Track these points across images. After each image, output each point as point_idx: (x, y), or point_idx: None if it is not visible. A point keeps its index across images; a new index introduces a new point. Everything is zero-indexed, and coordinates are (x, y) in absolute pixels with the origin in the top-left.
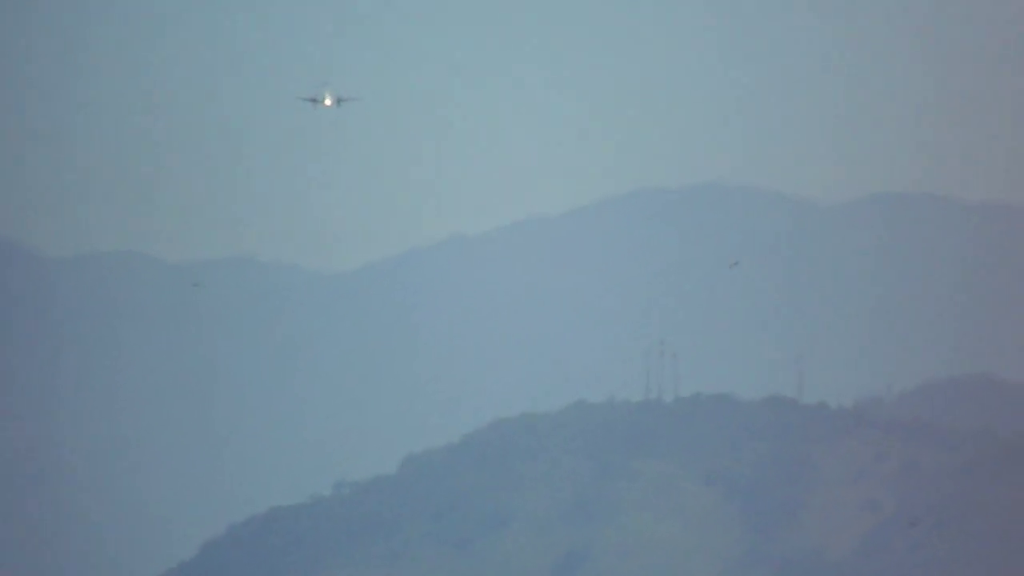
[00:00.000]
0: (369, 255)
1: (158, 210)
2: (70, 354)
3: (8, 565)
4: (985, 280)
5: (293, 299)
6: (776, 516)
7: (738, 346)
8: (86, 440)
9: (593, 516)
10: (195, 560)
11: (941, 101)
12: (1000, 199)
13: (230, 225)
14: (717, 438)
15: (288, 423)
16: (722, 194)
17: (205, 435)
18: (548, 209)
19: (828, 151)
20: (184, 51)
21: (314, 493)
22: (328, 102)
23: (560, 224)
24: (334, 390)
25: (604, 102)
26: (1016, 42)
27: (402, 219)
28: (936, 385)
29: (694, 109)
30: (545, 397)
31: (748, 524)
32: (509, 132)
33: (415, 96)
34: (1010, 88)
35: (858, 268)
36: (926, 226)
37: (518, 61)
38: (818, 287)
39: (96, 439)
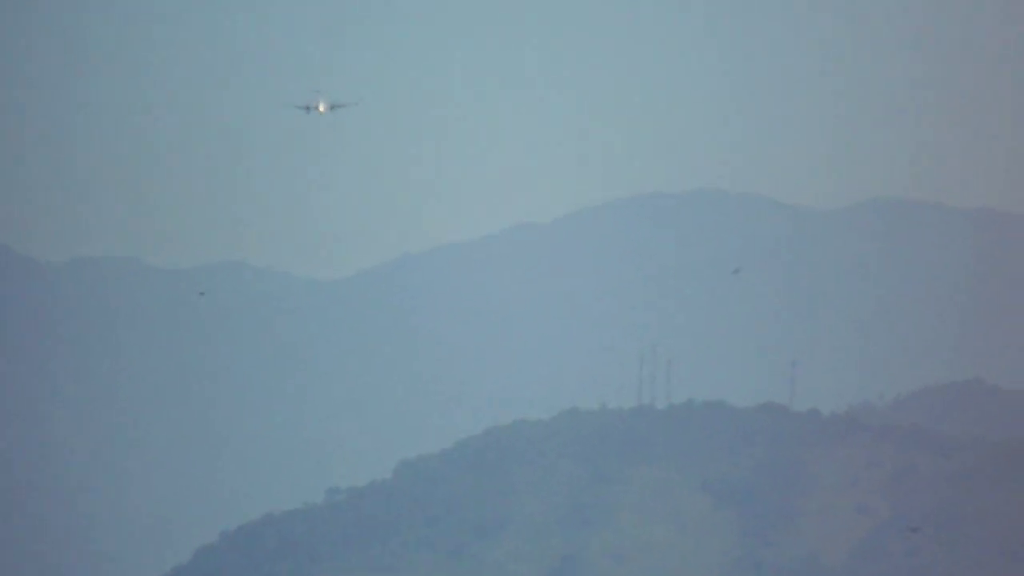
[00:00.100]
0: (362, 261)
1: (152, 216)
2: (64, 359)
3: (6, 567)
4: (981, 286)
5: (286, 305)
6: (771, 521)
7: (731, 352)
8: (79, 446)
9: (588, 521)
10: (189, 565)
11: (939, 107)
12: (996, 206)
13: (223, 230)
14: (711, 444)
15: (282, 429)
16: (716, 199)
17: (198, 441)
18: (542, 215)
19: (822, 157)
20: (177, 56)
21: (308, 499)
22: (322, 109)
23: (553, 230)
24: (327, 396)
25: (601, 107)
26: (1015, 49)
27: (396, 225)
28: (930, 391)
29: (689, 114)
30: (539, 403)
31: (743, 529)
32: (504, 137)
33: (410, 102)
34: (1008, 94)
35: (852, 274)
36: (920, 232)
37: (514, 67)
38: (812, 293)
39: (90, 444)
